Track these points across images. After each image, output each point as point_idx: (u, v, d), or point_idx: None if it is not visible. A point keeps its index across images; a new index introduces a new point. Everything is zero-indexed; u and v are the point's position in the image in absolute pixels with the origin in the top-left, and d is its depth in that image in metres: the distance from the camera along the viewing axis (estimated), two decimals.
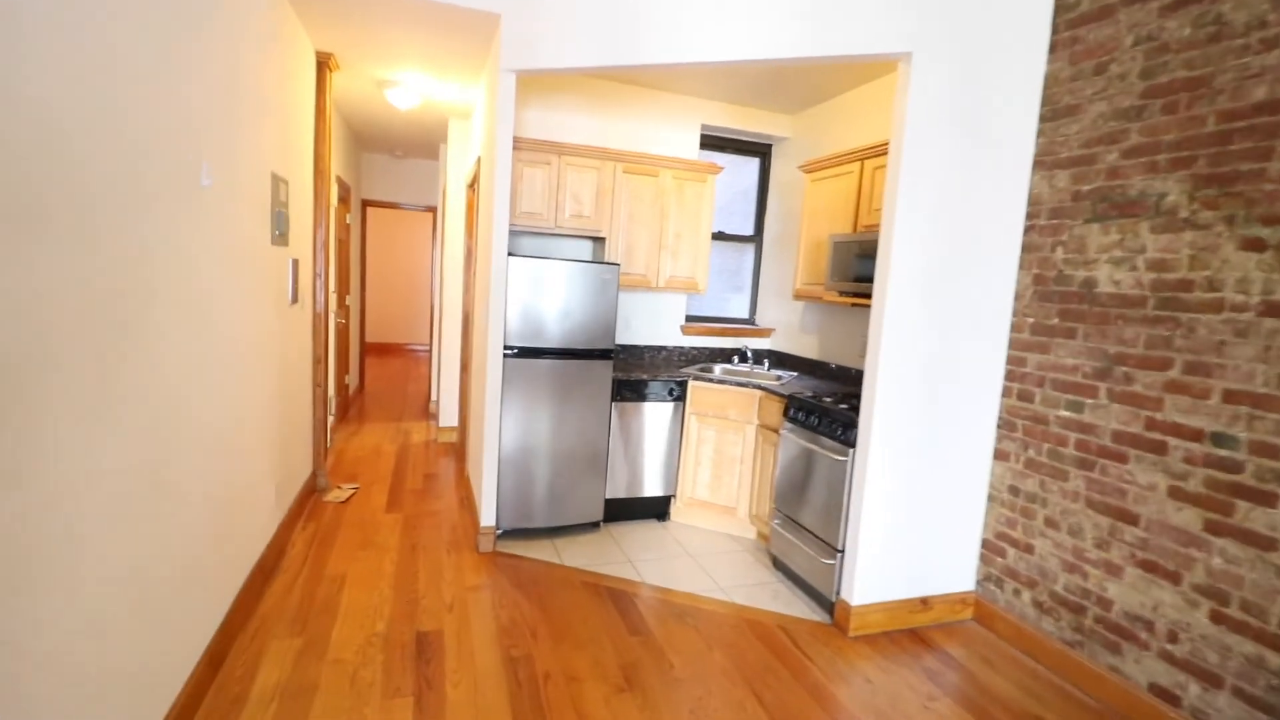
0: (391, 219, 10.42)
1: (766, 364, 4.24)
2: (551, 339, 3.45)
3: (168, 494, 1.86)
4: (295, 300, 3.39)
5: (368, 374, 8.18)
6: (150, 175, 1.68)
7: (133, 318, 1.62)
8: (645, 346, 4.43)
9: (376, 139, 6.23)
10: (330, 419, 5.05)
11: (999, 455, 3.00)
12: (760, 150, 4.82)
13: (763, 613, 2.96)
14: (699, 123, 4.37)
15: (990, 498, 3.04)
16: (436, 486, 4.30)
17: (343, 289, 5.83)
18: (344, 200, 5.87)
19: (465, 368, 5.06)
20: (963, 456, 2.96)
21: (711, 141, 4.59)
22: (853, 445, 2.83)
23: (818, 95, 4.14)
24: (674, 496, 3.95)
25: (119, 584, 1.59)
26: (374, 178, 7.11)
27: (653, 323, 4.45)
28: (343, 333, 5.80)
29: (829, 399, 3.19)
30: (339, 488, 4.13)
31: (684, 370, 3.99)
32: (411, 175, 7.24)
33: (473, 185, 4.71)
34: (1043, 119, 2.82)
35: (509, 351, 3.37)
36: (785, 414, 3.32)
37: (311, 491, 3.98)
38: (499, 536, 3.51)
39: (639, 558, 3.44)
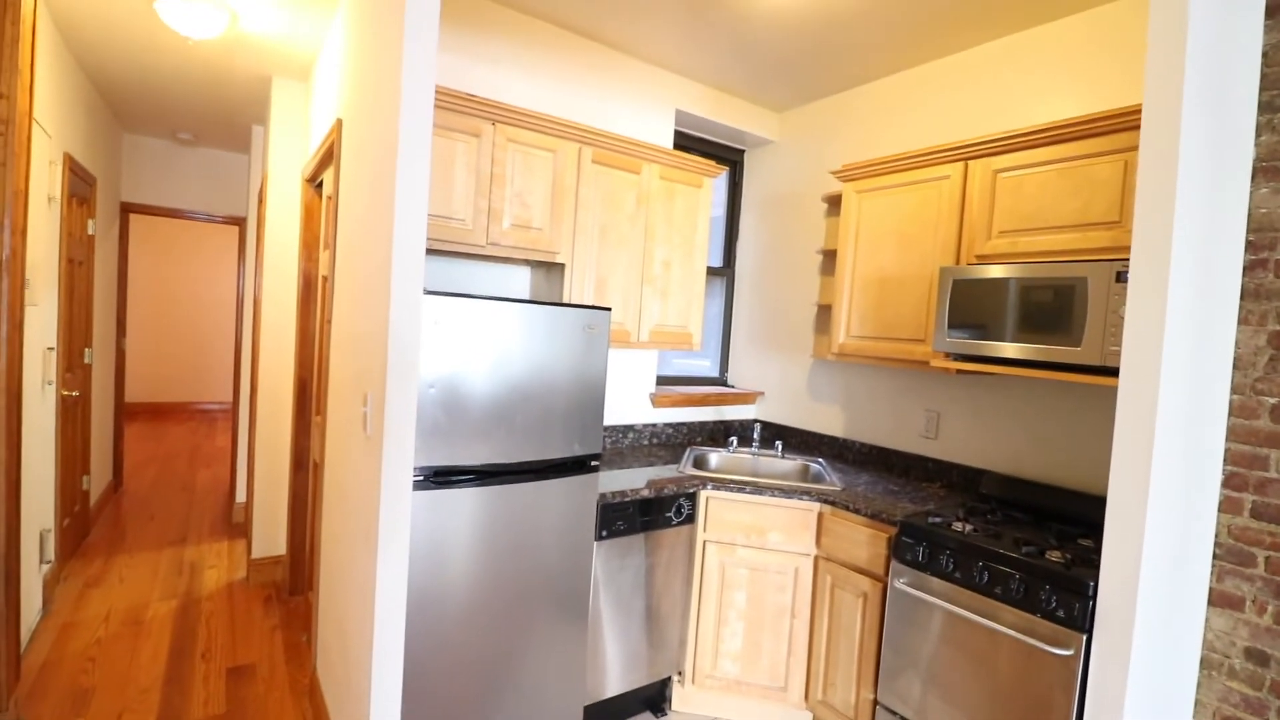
0: (173, 231, 7.80)
1: (780, 446, 2.99)
2: (498, 448, 1.88)
3: None
4: None
5: (129, 458, 5.63)
6: None
7: None
8: (608, 427, 2.97)
9: (145, 108, 4.11)
10: (43, 569, 2.89)
11: (1220, 601, 1.99)
12: (730, 160, 3.65)
13: None
14: (673, 107, 3.08)
15: (1207, 664, 2.02)
16: (253, 700, 2.42)
17: (79, 339, 3.63)
18: (85, 200, 3.71)
19: (301, 466, 3.20)
20: (1173, 604, 1.90)
21: (679, 143, 3.32)
22: (1085, 630, 1.64)
23: (823, 85, 3.06)
24: (679, 675, 2.51)
25: None
26: (143, 171, 4.85)
27: (618, 392, 3.01)
28: (76, 410, 3.57)
29: (974, 526, 1.99)
30: None
31: (689, 473, 2.59)
32: (206, 170, 5.07)
33: (315, 179, 2.97)
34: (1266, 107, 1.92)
35: (415, 478, 1.76)
36: (898, 552, 2.06)
37: None
38: None
39: None
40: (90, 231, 3.84)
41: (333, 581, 2.22)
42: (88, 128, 3.65)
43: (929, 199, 2.40)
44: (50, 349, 2.97)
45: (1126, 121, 1.91)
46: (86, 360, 3.81)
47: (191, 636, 2.80)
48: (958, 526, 1.99)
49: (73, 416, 3.50)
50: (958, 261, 2.30)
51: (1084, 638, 1.63)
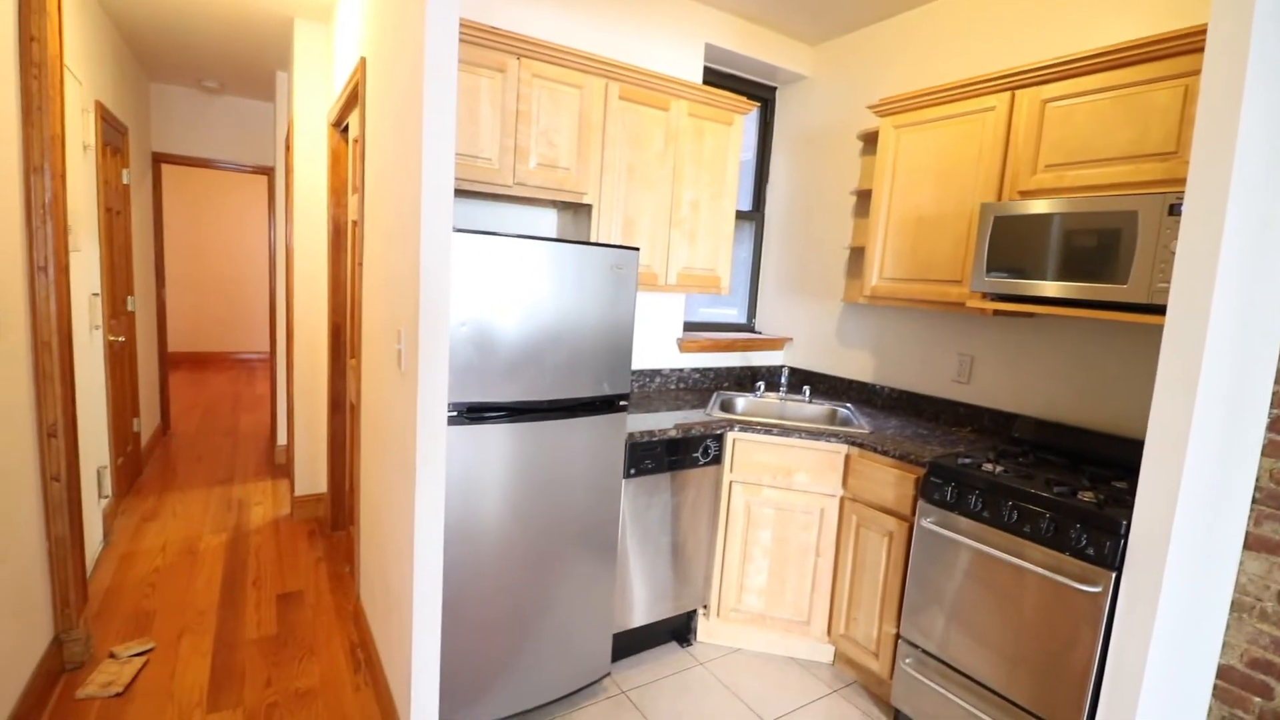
0: (204, 182, 7.89)
1: (807, 391, 2.98)
2: (529, 385, 1.91)
3: None
4: None
5: (174, 404, 5.87)
6: None
7: None
8: (635, 371, 2.99)
9: (170, 55, 4.10)
10: (102, 504, 3.06)
11: (1256, 545, 1.96)
12: (761, 97, 3.52)
13: None
14: (703, 41, 2.97)
15: (1237, 607, 2.00)
16: (302, 624, 2.57)
17: (121, 287, 3.73)
18: (118, 150, 3.75)
19: (338, 408, 3.29)
20: (1207, 546, 1.88)
21: (708, 80, 3.20)
22: (1115, 568, 1.64)
23: (860, 14, 2.90)
24: (704, 608, 2.58)
25: None
26: (172, 121, 4.88)
27: (645, 336, 3.01)
28: (123, 355, 3.71)
29: (1003, 466, 1.98)
30: (112, 656, 2.27)
31: (716, 416, 2.60)
32: (233, 119, 5.09)
33: (340, 123, 2.96)
34: None
35: (449, 413, 1.80)
36: (926, 492, 2.06)
37: (54, 679, 2.11)
38: None
39: None
40: (125, 181, 3.90)
41: (373, 515, 2.31)
42: (116, 76, 3.66)
43: (972, 132, 2.30)
44: (95, 294, 3.07)
45: (1189, 44, 1.78)
46: (129, 308, 3.94)
47: (242, 566, 2.97)
48: (988, 467, 1.98)
49: (120, 361, 3.64)
50: (999, 198, 2.21)
51: (1113, 576, 1.63)
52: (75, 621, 2.23)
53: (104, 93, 3.35)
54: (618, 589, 2.29)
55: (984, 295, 2.20)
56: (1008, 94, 2.19)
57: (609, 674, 2.29)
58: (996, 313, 2.27)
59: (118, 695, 2.07)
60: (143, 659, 2.26)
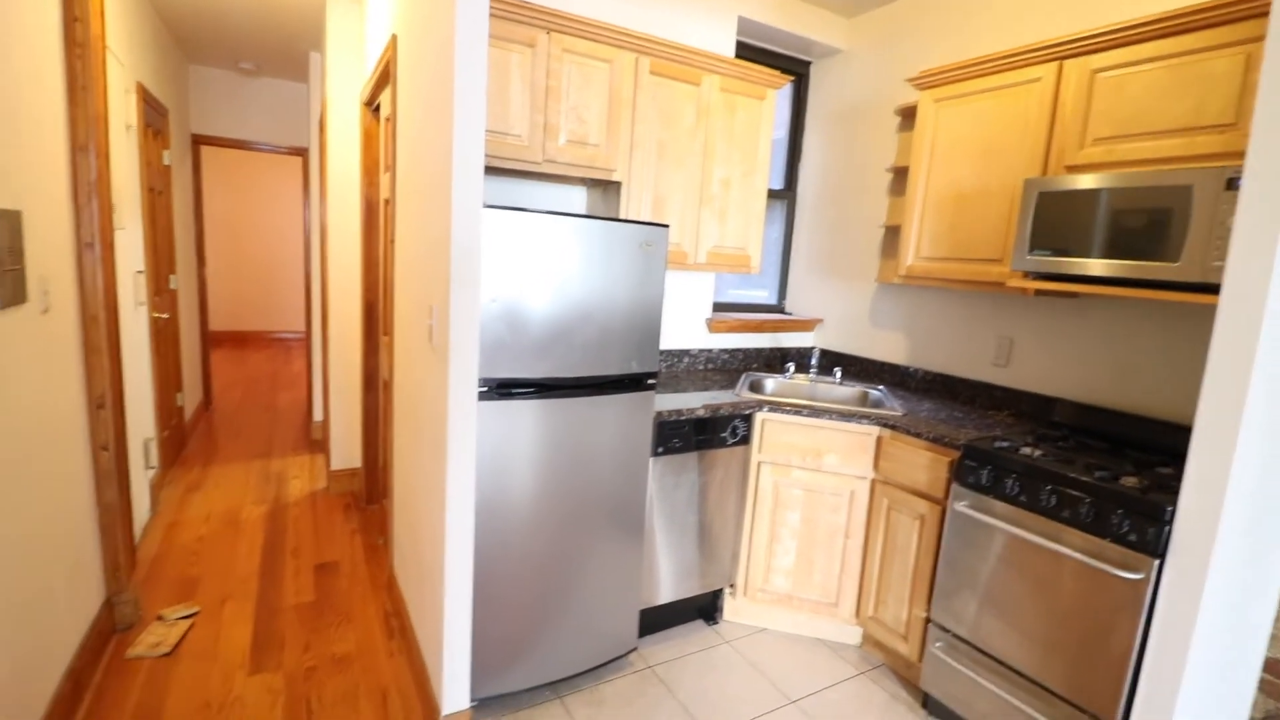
0: (241, 163, 8.04)
1: (839, 373, 2.94)
2: (558, 362, 1.92)
3: None
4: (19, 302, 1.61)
5: (215, 381, 6.05)
6: None
7: None
8: (663, 351, 2.98)
9: (207, 37, 4.17)
10: (149, 474, 3.17)
11: None
12: (795, 72, 3.43)
13: None
14: (735, 14, 2.91)
15: None
16: (338, 592, 2.65)
17: (164, 265, 3.84)
18: (160, 132, 3.84)
19: (371, 385, 3.35)
20: (1257, 535, 1.81)
21: (740, 55, 3.13)
22: (1158, 555, 1.59)
23: None
24: (731, 587, 2.59)
25: None
26: (211, 103, 4.98)
27: (674, 316, 2.99)
28: (166, 332, 3.83)
29: (1041, 450, 1.93)
30: (160, 618, 2.37)
31: (745, 397, 2.59)
32: (268, 101, 5.16)
33: (373, 103, 2.97)
34: None
35: (479, 389, 1.82)
36: (960, 475, 2.02)
37: (106, 639, 2.21)
38: (474, 708, 1.98)
39: None
40: (166, 162, 3.99)
41: (405, 489, 2.36)
42: (156, 57, 3.73)
43: (1015, 105, 2.21)
44: (140, 272, 3.16)
45: (1251, 8, 1.68)
46: (172, 286, 4.05)
47: (282, 536, 3.07)
48: (1026, 451, 1.93)
49: (164, 337, 3.75)
50: (1044, 173, 2.13)
51: (1156, 563, 1.58)
52: (125, 585, 2.33)
53: (145, 75, 3.42)
54: (645, 566, 2.31)
55: (1025, 275, 2.13)
56: (1055, 64, 2.09)
57: (635, 649, 2.32)
58: (1038, 293, 2.20)
59: (165, 655, 2.17)
60: (189, 622, 2.36)
